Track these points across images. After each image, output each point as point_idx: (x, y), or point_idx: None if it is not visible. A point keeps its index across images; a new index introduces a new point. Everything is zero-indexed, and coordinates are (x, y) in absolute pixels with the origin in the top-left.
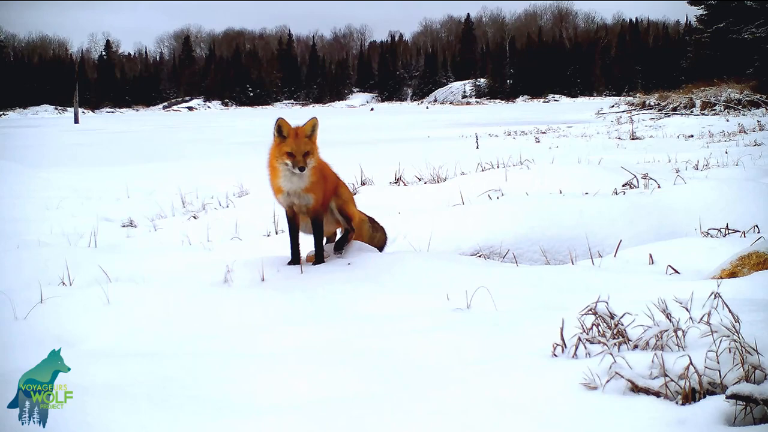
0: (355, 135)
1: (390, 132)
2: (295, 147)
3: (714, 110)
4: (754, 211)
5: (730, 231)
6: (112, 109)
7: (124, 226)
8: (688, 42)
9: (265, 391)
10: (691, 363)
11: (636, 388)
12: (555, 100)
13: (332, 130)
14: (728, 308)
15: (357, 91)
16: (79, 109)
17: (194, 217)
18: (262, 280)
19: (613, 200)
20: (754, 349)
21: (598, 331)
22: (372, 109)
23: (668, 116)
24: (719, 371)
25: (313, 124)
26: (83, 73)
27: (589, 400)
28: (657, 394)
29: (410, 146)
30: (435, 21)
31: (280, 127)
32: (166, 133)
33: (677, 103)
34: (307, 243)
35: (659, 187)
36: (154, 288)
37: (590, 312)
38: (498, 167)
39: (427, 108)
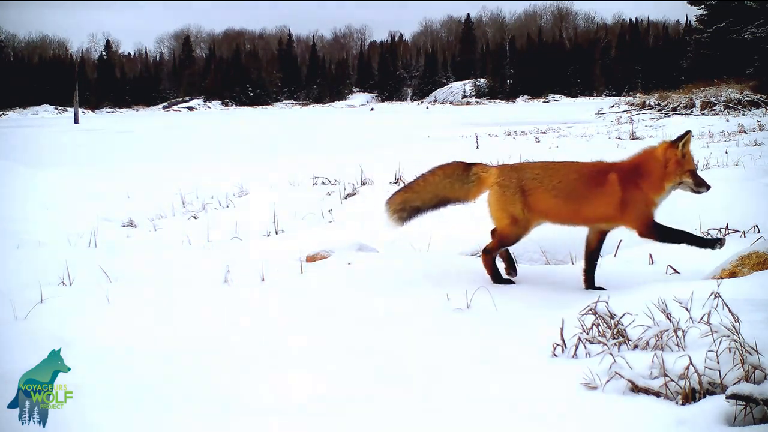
0: (355, 135)
1: (390, 132)
2: (693, 163)
3: (714, 110)
4: (754, 211)
5: (730, 231)
6: (112, 109)
7: (124, 226)
8: (688, 42)
9: (266, 391)
10: (691, 363)
11: (636, 388)
12: (555, 100)
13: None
14: (728, 308)
15: (357, 91)
16: (79, 109)
17: (194, 217)
18: (262, 280)
19: None
20: (754, 349)
21: (598, 331)
22: (372, 109)
23: (668, 116)
24: (719, 371)
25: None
26: (83, 73)
27: (589, 400)
28: (657, 394)
29: (410, 146)
30: (435, 21)
31: (686, 143)
32: (166, 133)
33: (677, 103)
34: (307, 243)
35: None
36: (154, 288)
37: (590, 312)
38: None
39: (427, 108)
